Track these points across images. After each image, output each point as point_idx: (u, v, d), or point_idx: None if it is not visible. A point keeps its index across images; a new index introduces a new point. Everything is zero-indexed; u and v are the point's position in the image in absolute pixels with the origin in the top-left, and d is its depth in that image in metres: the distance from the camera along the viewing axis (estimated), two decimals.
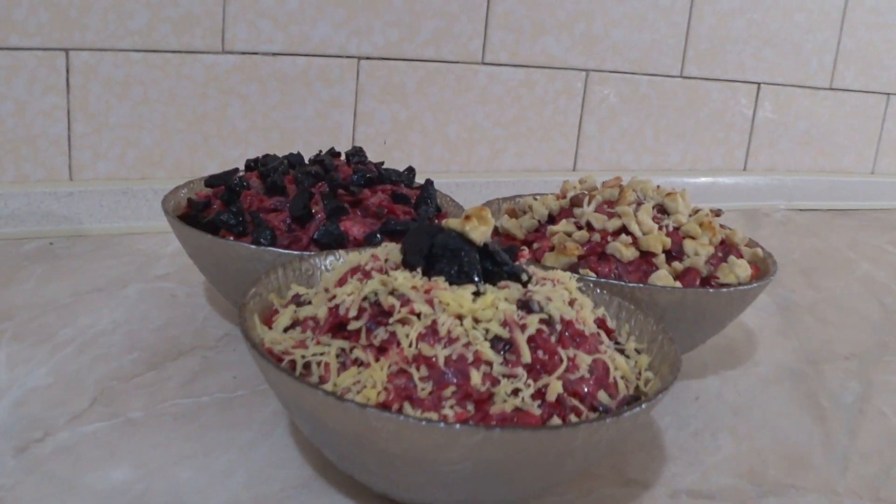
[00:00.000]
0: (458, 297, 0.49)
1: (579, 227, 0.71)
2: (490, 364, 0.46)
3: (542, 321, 0.49)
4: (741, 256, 0.74)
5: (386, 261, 0.53)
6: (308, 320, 0.51)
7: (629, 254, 0.68)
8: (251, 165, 0.78)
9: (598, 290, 0.62)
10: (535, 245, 0.72)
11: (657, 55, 1.17)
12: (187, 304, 0.78)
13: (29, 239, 0.89)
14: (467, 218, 0.53)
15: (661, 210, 0.74)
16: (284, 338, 0.51)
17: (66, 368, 0.65)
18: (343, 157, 0.78)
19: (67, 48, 0.89)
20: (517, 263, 0.55)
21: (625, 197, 0.72)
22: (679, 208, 0.73)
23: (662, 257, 0.68)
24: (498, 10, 1.06)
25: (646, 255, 0.68)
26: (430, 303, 0.48)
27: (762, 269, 0.75)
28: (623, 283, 0.64)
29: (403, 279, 0.50)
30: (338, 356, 0.48)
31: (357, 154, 0.78)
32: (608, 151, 1.18)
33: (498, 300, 0.49)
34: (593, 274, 0.66)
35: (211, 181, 0.75)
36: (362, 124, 1.04)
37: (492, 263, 0.52)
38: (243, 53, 0.96)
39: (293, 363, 0.49)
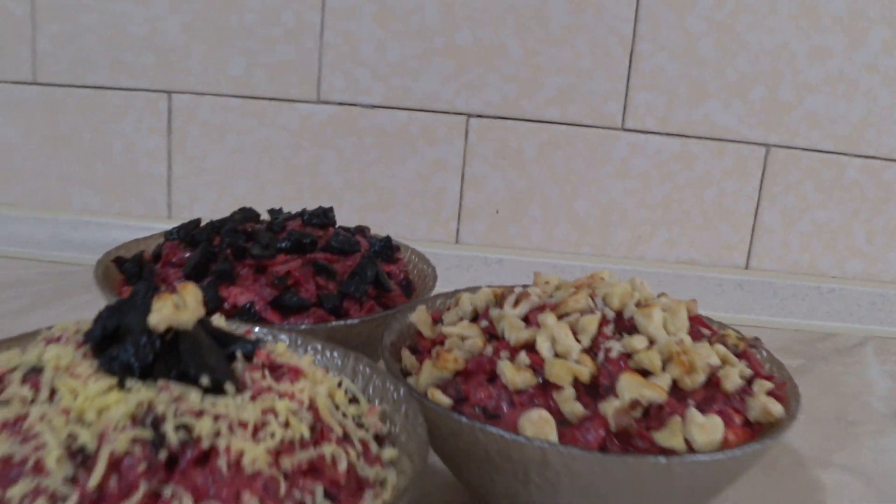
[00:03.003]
0: (82, 387, 0.39)
1: (491, 335, 0.54)
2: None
3: (141, 441, 0.37)
4: (737, 412, 0.51)
5: (77, 332, 0.45)
6: None
7: (519, 380, 0.50)
8: None
9: (403, 407, 0.47)
10: (438, 348, 0.56)
11: (874, 131, 0.88)
12: None
13: None
14: (160, 295, 0.42)
15: (629, 328, 0.54)
16: None
17: None
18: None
19: (170, 91, 0.92)
20: (234, 364, 0.43)
21: (568, 302, 0.54)
22: (651, 328, 0.53)
23: (569, 392, 0.49)
24: (644, 67, 0.88)
25: (549, 387, 0.50)
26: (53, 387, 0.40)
27: (770, 426, 0.51)
28: (456, 417, 0.47)
29: (55, 357, 0.42)
30: None
31: (318, 216, 0.68)
32: (796, 250, 0.92)
33: (121, 403, 0.39)
34: (444, 399, 0.50)
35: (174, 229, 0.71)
36: (471, 189, 0.92)
37: (174, 359, 0.41)
38: (340, 104, 0.91)
39: None
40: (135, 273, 0.63)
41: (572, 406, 0.49)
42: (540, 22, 0.87)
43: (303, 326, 0.57)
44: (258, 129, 0.92)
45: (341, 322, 0.58)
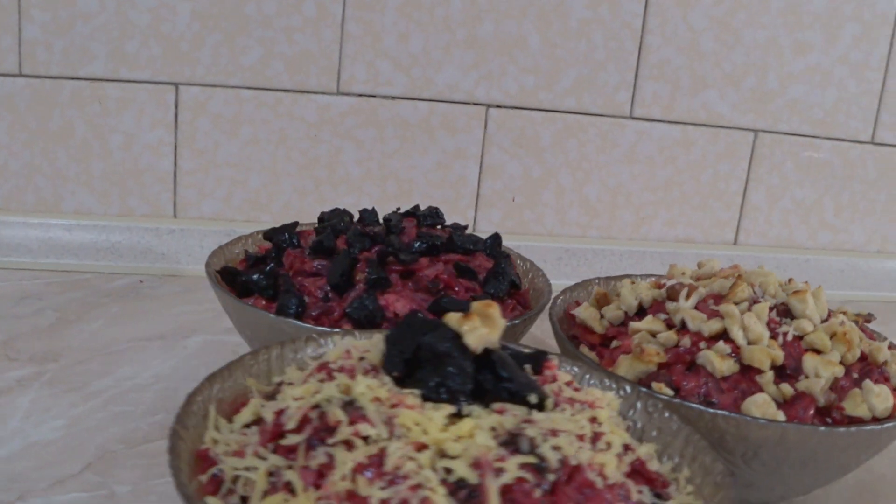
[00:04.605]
0: (427, 419, 0.38)
1: (670, 327, 0.58)
2: None
3: (527, 466, 0.37)
4: (886, 380, 0.58)
5: (362, 359, 0.44)
6: (265, 421, 0.43)
7: (725, 367, 0.54)
8: (323, 219, 0.71)
9: (667, 414, 0.49)
10: (615, 343, 0.59)
11: (843, 117, 0.99)
12: None
13: (122, 274, 0.86)
14: (466, 316, 0.42)
15: (786, 312, 0.59)
16: (231, 439, 0.42)
17: (79, 424, 0.60)
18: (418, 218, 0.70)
19: (177, 82, 0.87)
20: (534, 378, 0.44)
21: (735, 292, 0.59)
22: (807, 311, 0.58)
23: (769, 375, 0.54)
24: (651, 59, 0.93)
25: (748, 371, 0.54)
26: (389, 423, 0.38)
27: None
28: (703, 409, 0.50)
29: (367, 387, 0.40)
30: (271, 474, 0.39)
31: (431, 216, 0.68)
32: (777, 225, 1.02)
33: (479, 430, 0.38)
34: (669, 391, 0.53)
35: (268, 234, 0.68)
36: (488, 178, 0.94)
37: (491, 378, 0.41)
38: (360, 95, 0.90)
39: (219, 476, 0.40)
40: (268, 285, 0.61)
41: (780, 388, 0.53)
42: (559, 15, 0.90)
43: None
44: (274, 122, 0.89)
45: (507, 322, 0.59)
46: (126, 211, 0.89)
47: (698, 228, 1.00)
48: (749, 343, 0.55)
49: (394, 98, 0.90)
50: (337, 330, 0.55)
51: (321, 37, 0.87)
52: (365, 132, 0.91)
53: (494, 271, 0.63)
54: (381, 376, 0.42)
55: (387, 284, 0.59)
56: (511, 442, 0.38)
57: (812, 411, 0.53)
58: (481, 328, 0.42)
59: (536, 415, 0.41)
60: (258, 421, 0.44)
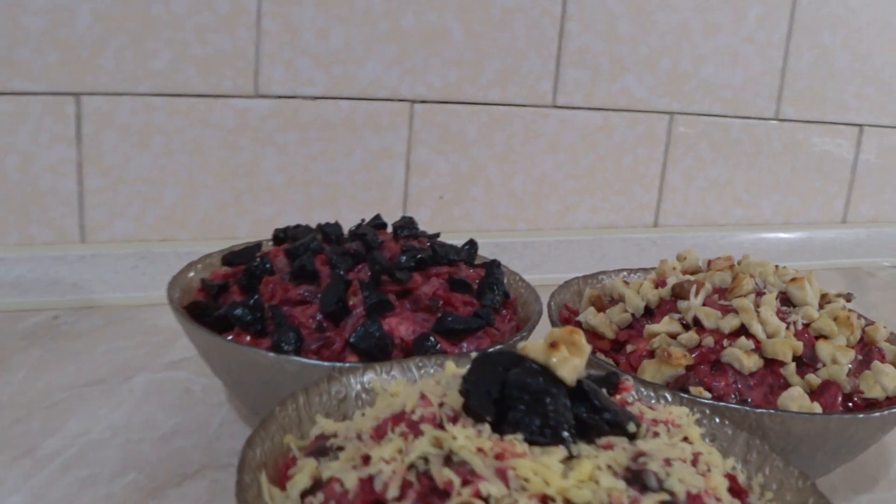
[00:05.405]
0: (544, 467, 0.35)
1: (685, 326, 0.57)
2: None
3: None
4: (884, 359, 0.59)
5: (441, 405, 0.39)
6: (333, 484, 0.37)
7: (751, 363, 0.53)
8: (280, 237, 0.65)
9: (717, 420, 0.47)
10: (630, 347, 0.58)
11: (750, 95, 1.02)
12: (202, 403, 0.65)
13: (32, 311, 0.77)
14: (553, 346, 0.39)
15: (785, 300, 0.59)
16: None
17: (43, 497, 0.52)
18: (390, 230, 0.65)
19: (78, 92, 0.78)
20: (618, 401, 0.42)
21: (740, 285, 0.58)
22: (807, 298, 0.59)
23: (792, 367, 0.54)
24: (571, 47, 0.92)
25: (771, 364, 0.54)
26: (503, 476, 0.34)
27: None
28: (748, 409, 0.49)
29: (465, 438, 0.36)
30: None
31: (406, 226, 0.64)
32: (694, 205, 1.03)
33: (599, 471, 0.35)
34: (708, 394, 0.52)
35: (229, 259, 0.62)
36: (416, 176, 0.90)
37: (587, 410, 0.38)
38: (279, 97, 0.84)
39: None
40: (254, 321, 0.55)
41: (806, 378, 0.53)
42: (481, 5, 0.87)
43: (496, 348, 0.54)
44: (188, 130, 0.82)
45: (514, 337, 0.56)
46: (27, 239, 0.79)
47: (620, 213, 1.00)
48: (768, 336, 0.55)
49: (315, 98, 0.85)
50: (349, 364, 0.50)
51: (236, 36, 0.81)
52: (286, 136, 0.85)
53: (488, 282, 0.60)
54: (473, 423, 0.38)
55: (388, 307, 0.55)
56: (635, 479, 0.36)
57: (840, 398, 0.53)
58: (572, 358, 0.39)
59: (641, 445, 0.38)
60: (316, 485, 0.39)
